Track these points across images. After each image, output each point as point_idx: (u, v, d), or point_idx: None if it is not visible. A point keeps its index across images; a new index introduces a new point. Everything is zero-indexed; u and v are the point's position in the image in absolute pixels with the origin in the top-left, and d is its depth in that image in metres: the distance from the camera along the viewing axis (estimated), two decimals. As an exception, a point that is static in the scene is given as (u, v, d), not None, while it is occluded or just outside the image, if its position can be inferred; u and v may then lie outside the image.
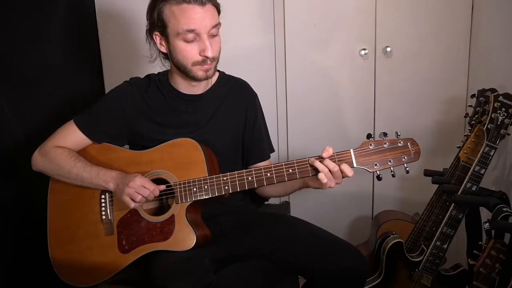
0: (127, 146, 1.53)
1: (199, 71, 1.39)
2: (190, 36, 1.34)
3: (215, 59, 1.40)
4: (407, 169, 1.29)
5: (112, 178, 1.40)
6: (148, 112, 1.48)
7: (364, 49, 2.04)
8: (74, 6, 2.00)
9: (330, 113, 2.15)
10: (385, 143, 1.29)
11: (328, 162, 1.29)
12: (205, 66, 1.38)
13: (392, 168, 1.29)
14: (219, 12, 1.40)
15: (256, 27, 2.11)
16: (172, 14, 1.34)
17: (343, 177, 1.31)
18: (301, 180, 1.37)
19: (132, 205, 1.37)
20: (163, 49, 1.42)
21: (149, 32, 1.43)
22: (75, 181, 1.44)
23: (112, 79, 2.21)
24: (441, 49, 2.02)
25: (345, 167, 1.29)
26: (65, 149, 1.46)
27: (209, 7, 1.34)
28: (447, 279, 1.70)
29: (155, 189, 1.37)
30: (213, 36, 1.37)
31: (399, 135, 1.30)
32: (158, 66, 1.52)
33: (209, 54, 1.36)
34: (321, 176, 1.29)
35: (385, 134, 1.30)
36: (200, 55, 1.36)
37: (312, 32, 2.07)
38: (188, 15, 1.32)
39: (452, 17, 1.99)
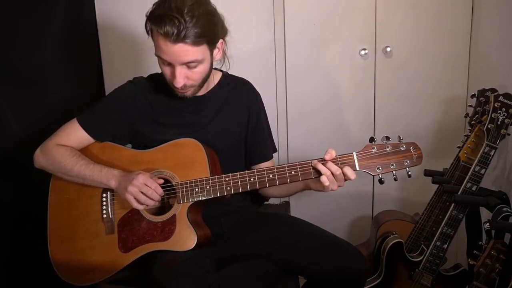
0: (129, 145, 1.53)
1: (175, 90, 1.40)
2: (164, 61, 1.34)
3: (192, 86, 1.39)
4: (409, 173, 1.30)
5: (114, 176, 1.39)
6: (150, 112, 1.48)
7: (364, 49, 2.04)
8: (74, 6, 2.00)
9: (330, 113, 2.15)
10: (387, 147, 1.30)
11: (330, 165, 1.29)
12: (179, 90, 1.38)
13: (394, 172, 1.30)
14: (213, 40, 1.35)
15: (256, 27, 2.11)
16: (154, 36, 1.33)
17: (345, 180, 1.31)
18: (303, 181, 1.38)
19: (135, 204, 1.36)
20: None
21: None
22: (76, 179, 1.44)
23: (112, 80, 2.21)
24: (441, 49, 2.02)
25: (348, 170, 1.28)
26: (67, 147, 1.46)
27: (181, 47, 1.28)
28: (447, 279, 1.70)
29: (157, 187, 1.36)
30: (192, 68, 1.34)
31: (402, 139, 1.30)
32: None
33: (176, 84, 1.35)
34: (323, 179, 1.28)
35: (387, 138, 1.30)
36: (170, 77, 1.36)
37: (312, 32, 2.07)
38: (160, 44, 1.31)
39: (452, 17, 1.99)
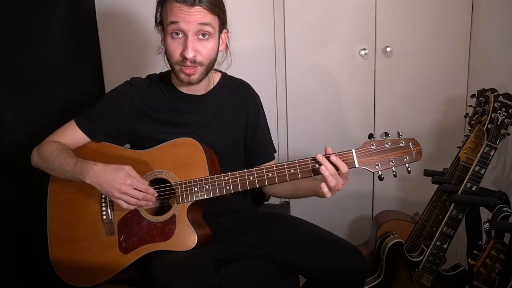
0: (128, 146, 1.53)
1: (181, 73, 1.38)
2: (176, 31, 1.34)
3: (201, 64, 1.38)
4: (409, 169, 1.30)
5: (87, 172, 1.34)
6: (148, 112, 1.48)
7: (364, 49, 2.04)
8: (74, 6, 2.00)
9: (330, 113, 2.15)
10: (386, 143, 1.29)
11: (327, 164, 1.28)
12: (187, 70, 1.37)
13: (393, 168, 1.30)
14: (223, 20, 1.39)
15: (256, 27, 2.11)
16: (165, 10, 1.36)
17: (338, 172, 1.29)
18: (313, 189, 1.37)
19: (125, 206, 1.35)
20: (163, 43, 1.43)
21: (156, 25, 1.44)
22: (60, 174, 1.42)
23: (112, 79, 2.21)
24: (441, 49, 2.02)
25: (338, 161, 1.28)
26: (57, 142, 1.46)
27: (199, 9, 1.31)
28: (447, 279, 1.70)
29: (147, 188, 1.34)
30: (203, 39, 1.36)
31: (401, 135, 1.30)
32: (159, 67, 1.52)
33: (187, 54, 1.34)
34: (324, 188, 1.29)
35: (386, 134, 1.30)
36: (180, 55, 1.36)
37: (312, 32, 2.08)
38: (174, 10, 1.32)
39: (452, 17, 1.99)
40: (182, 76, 1.39)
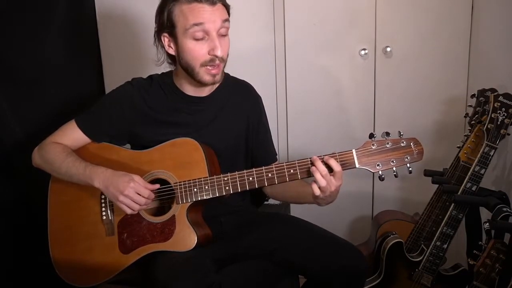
0: (128, 146, 1.53)
1: (206, 75, 1.38)
2: (199, 33, 1.33)
3: (224, 60, 1.39)
4: (410, 169, 1.28)
5: (98, 176, 1.37)
6: (148, 112, 1.48)
7: (364, 49, 2.04)
8: (74, 6, 2.01)
9: (330, 113, 2.15)
10: (387, 143, 1.28)
11: (319, 163, 1.28)
12: (213, 71, 1.37)
13: (394, 168, 1.29)
14: (229, 14, 1.39)
15: (256, 28, 2.11)
16: (181, 13, 1.33)
17: (331, 174, 1.28)
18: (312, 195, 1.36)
19: (129, 211, 1.36)
20: (171, 51, 1.41)
21: (157, 34, 1.42)
22: (65, 177, 1.43)
23: (112, 79, 2.21)
24: (441, 49, 2.02)
25: (332, 162, 1.27)
26: (61, 145, 1.46)
27: (219, 6, 1.34)
28: (447, 279, 1.70)
29: (150, 195, 1.35)
30: (223, 35, 1.37)
31: (402, 135, 1.29)
32: (160, 67, 1.51)
33: (219, 52, 1.34)
34: (313, 186, 1.28)
35: (387, 134, 1.29)
36: (209, 54, 1.35)
37: (312, 32, 2.07)
38: (197, 11, 1.32)
39: (452, 17, 1.99)
40: (207, 78, 1.38)
